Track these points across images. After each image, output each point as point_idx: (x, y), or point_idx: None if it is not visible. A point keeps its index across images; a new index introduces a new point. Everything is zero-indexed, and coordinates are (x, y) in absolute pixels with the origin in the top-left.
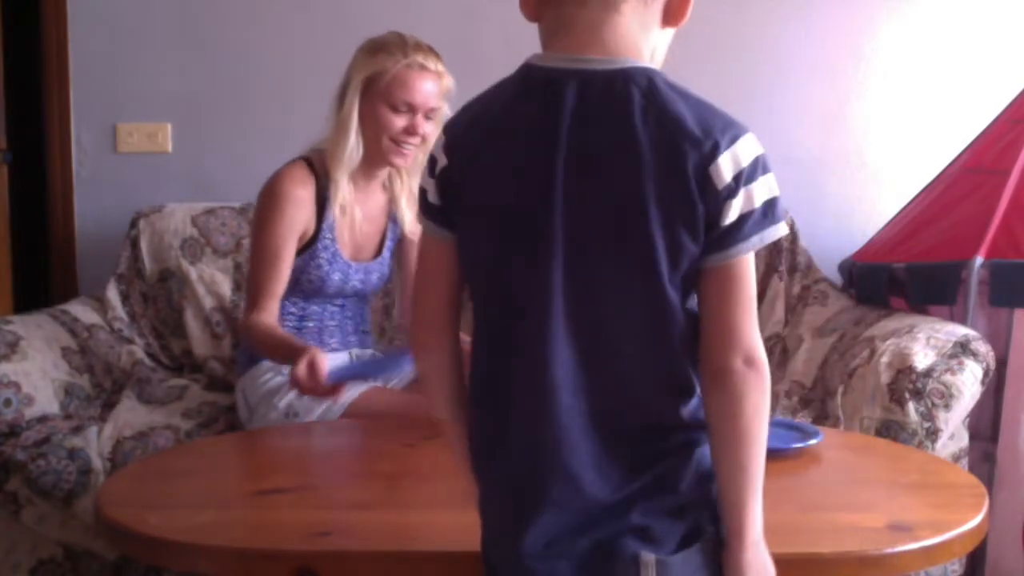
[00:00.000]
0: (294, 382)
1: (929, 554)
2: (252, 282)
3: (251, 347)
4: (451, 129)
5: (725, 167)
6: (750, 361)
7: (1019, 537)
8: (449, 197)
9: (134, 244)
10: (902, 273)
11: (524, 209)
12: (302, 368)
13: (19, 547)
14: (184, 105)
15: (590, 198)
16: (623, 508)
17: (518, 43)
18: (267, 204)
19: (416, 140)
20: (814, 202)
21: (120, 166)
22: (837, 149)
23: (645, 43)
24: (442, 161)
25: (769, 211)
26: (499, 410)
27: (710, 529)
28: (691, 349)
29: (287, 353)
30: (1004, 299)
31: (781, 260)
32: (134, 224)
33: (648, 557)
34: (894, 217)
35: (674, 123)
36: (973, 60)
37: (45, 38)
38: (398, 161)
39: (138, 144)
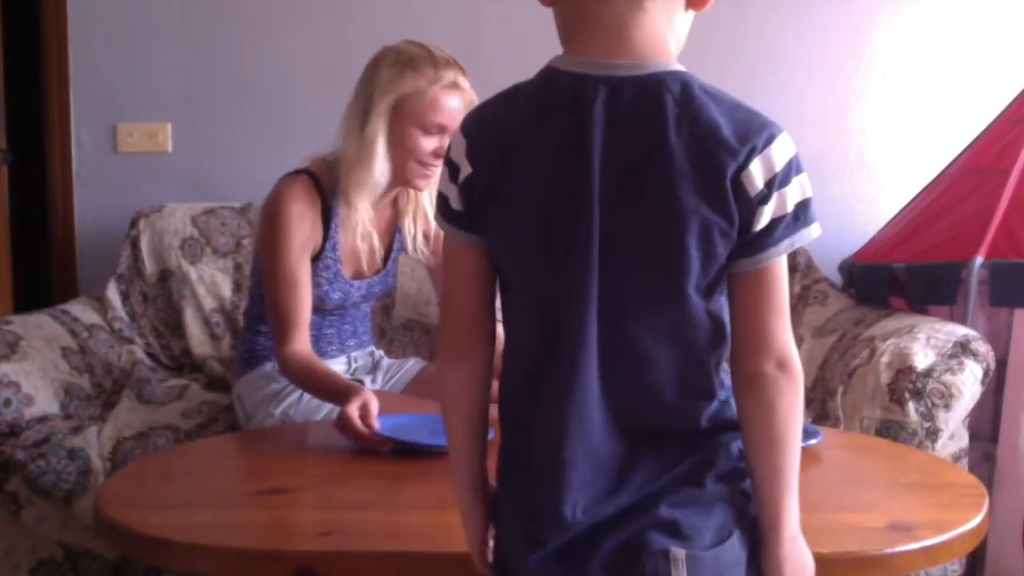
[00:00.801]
0: (343, 423)
1: (929, 554)
2: (277, 312)
3: (288, 380)
4: (471, 134)
5: (757, 173)
6: (783, 365)
7: (1019, 537)
8: (475, 205)
9: (134, 244)
10: (902, 273)
11: (559, 220)
12: (354, 410)
13: (19, 547)
14: (184, 105)
15: (626, 208)
16: (649, 504)
17: (518, 43)
18: (275, 226)
19: (440, 161)
20: (814, 202)
21: (120, 166)
22: (837, 149)
23: (671, 35)
24: (466, 168)
25: (801, 214)
26: (527, 411)
27: (740, 527)
28: (715, 353)
29: (331, 391)
30: (1004, 299)
31: None
32: (134, 224)
33: (678, 552)
34: (894, 217)
35: (709, 131)
36: (973, 60)
37: (45, 38)
38: (421, 183)
39: (138, 144)
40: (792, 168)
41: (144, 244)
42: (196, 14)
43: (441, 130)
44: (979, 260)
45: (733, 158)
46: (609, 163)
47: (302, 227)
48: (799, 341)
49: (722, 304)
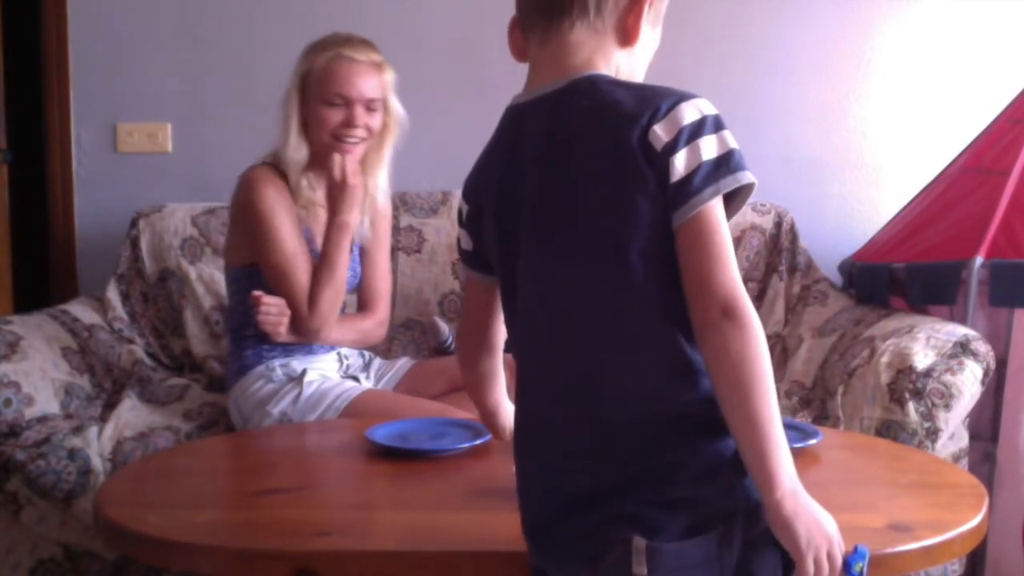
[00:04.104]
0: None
1: (929, 554)
2: (297, 289)
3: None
4: (467, 179)
5: (662, 129)
6: (727, 311)
7: (1019, 537)
8: (478, 238)
9: (134, 244)
10: (902, 273)
11: (503, 230)
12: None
13: (19, 547)
14: (184, 105)
15: (549, 202)
16: (618, 495)
17: None
18: (266, 210)
19: (359, 132)
20: (814, 202)
21: (120, 166)
22: (837, 149)
23: (606, 66)
24: (465, 208)
25: (723, 163)
26: (518, 402)
27: (720, 526)
28: (673, 324)
29: (324, 267)
30: (1004, 299)
31: (781, 260)
32: (134, 224)
33: (640, 542)
34: (894, 217)
35: (613, 109)
36: (973, 60)
37: (45, 38)
38: (342, 155)
39: (138, 144)
40: (707, 125)
41: (144, 244)
42: (196, 14)
43: (345, 101)
44: (979, 260)
45: (634, 123)
46: (535, 165)
47: (285, 208)
48: (799, 341)
49: (672, 272)
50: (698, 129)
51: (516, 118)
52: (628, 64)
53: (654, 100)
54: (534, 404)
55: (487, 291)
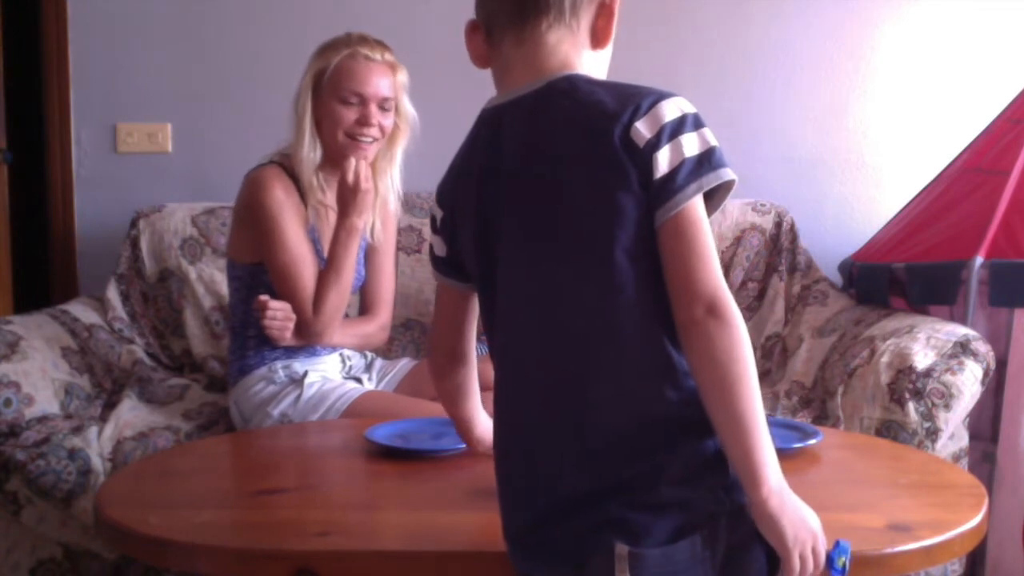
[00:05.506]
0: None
1: (929, 554)
2: (302, 291)
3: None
4: (440, 184)
5: (644, 127)
6: (712, 309)
7: (1019, 537)
8: (453, 244)
9: (134, 244)
10: (902, 273)
11: (483, 234)
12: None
13: (19, 547)
14: (184, 105)
15: (533, 203)
16: (603, 498)
17: None
18: (275, 211)
19: (373, 132)
20: (814, 202)
21: (120, 166)
22: (837, 149)
23: (580, 67)
24: (439, 214)
25: (705, 160)
26: (498, 408)
27: (705, 527)
28: (658, 323)
29: (331, 270)
30: (1004, 299)
31: (781, 260)
32: (134, 224)
33: (622, 549)
34: (894, 217)
35: (594, 108)
36: (973, 60)
37: (45, 38)
38: (357, 156)
39: (138, 144)
40: (687, 122)
41: (144, 244)
42: (196, 14)
43: (360, 99)
44: (979, 260)
45: (615, 120)
46: (516, 167)
47: (293, 210)
48: (799, 341)
49: (657, 273)
50: (679, 126)
51: (493, 121)
52: (597, 66)
53: (635, 98)
54: (516, 408)
55: (460, 298)
